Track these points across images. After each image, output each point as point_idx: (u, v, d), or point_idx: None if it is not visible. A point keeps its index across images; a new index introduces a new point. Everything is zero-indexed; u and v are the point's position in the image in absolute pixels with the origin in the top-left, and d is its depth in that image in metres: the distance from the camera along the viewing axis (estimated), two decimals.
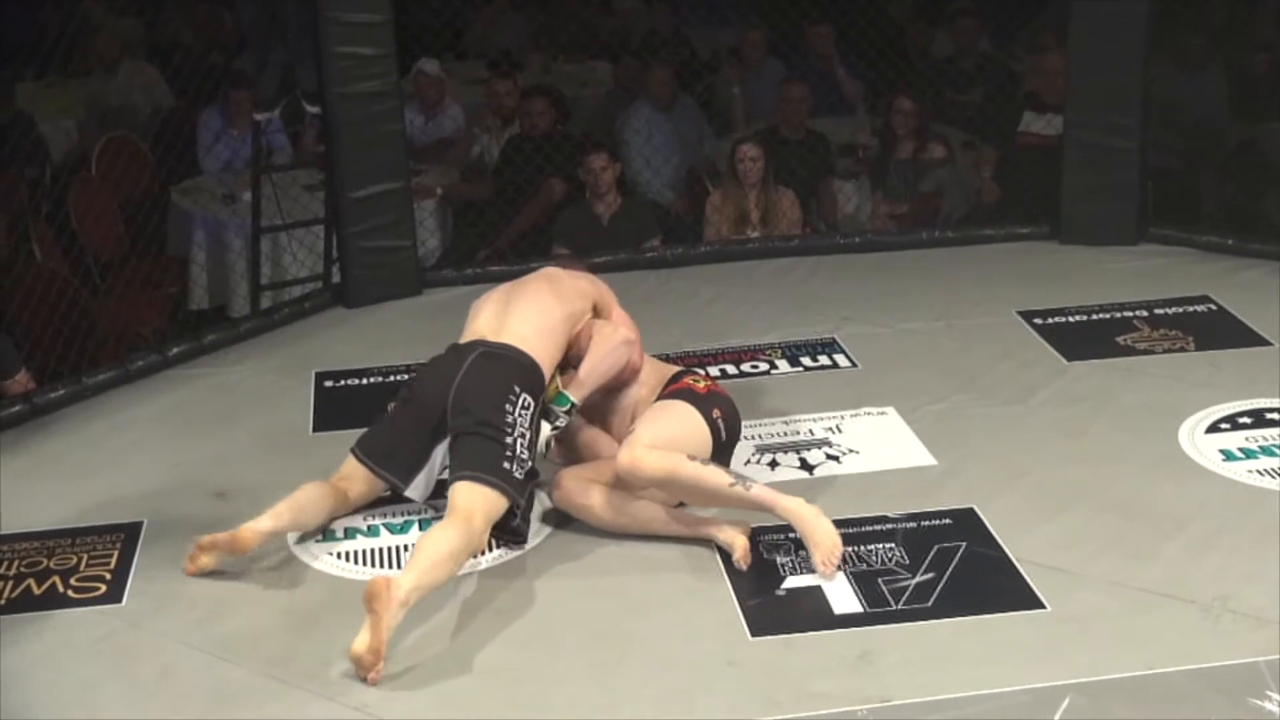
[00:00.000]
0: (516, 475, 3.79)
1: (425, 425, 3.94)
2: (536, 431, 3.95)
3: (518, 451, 3.81)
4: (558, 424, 4.04)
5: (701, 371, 4.38)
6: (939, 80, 7.48)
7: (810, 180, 7.02)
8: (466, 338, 4.08)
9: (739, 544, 3.76)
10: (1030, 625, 3.50)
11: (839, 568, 3.71)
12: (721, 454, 4.03)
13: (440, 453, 3.96)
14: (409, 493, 4.00)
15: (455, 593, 3.73)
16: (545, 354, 4.00)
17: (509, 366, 3.92)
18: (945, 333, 5.41)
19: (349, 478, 4.05)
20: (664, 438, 3.87)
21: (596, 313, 4.25)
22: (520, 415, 3.85)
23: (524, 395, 3.88)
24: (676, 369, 4.28)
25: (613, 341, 4.12)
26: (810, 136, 7.21)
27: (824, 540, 3.73)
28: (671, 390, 4.10)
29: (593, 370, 4.09)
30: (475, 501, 3.70)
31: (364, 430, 4.11)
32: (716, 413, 4.03)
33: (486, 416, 3.81)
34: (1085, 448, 4.43)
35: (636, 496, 3.92)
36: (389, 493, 4.10)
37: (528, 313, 4.06)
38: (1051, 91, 6.67)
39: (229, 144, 7.29)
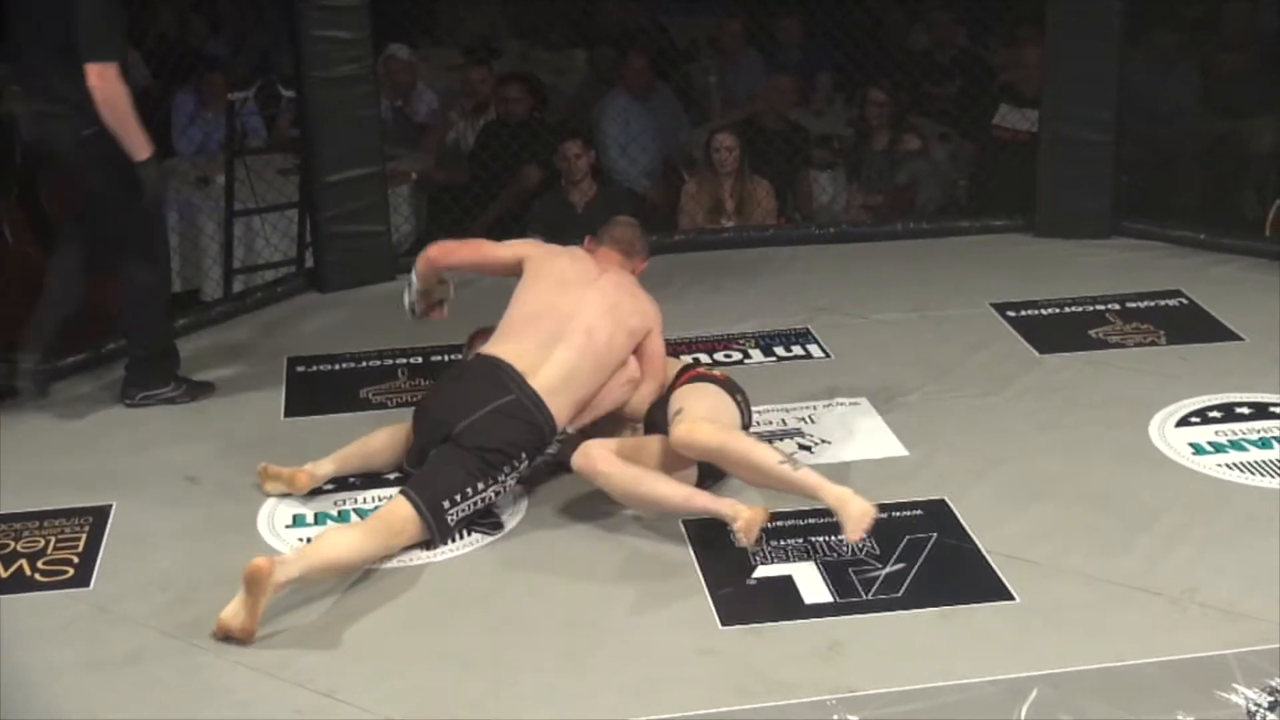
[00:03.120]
0: (448, 519, 3.83)
1: (433, 439, 3.94)
2: (517, 479, 4.02)
3: (473, 499, 3.85)
4: (548, 450, 4.06)
5: (707, 359, 4.50)
6: (915, 72, 7.48)
7: (787, 171, 7.02)
8: (500, 352, 4.03)
9: (743, 515, 3.70)
10: (1000, 616, 3.50)
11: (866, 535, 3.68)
12: None
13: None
14: None
15: (427, 581, 3.72)
16: (567, 409, 4.02)
17: (525, 429, 3.93)
18: (919, 324, 5.41)
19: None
20: (712, 413, 3.98)
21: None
22: (508, 472, 3.91)
23: (525, 459, 3.94)
24: (684, 361, 4.41)
25: (618, 380, 4.15)
26: (789, 128, 7.21)
27: (861, 519, 3.64)
28: (690, 377, 4.20)
29: (595, 406, 4.13)
30: (401, 518, 3.77)
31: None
32: (740, 396, 4.18)
33: (481, 460, 3.85)
34: (1056, 440, 4.44)
35: (658, 473, 3.92)
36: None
37: (570, 362, 4.03)
38: (1030, 85, 6.67)
39: (203, 126, 7.25)
